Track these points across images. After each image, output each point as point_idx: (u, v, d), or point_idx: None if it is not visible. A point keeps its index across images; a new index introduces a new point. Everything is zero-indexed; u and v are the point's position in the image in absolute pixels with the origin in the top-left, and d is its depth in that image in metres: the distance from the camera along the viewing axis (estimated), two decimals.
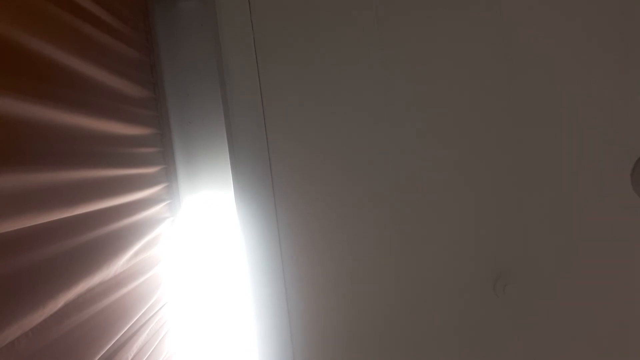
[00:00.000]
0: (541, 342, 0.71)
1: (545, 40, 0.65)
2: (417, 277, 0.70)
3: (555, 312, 0.70)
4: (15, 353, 0.48)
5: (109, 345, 0.69)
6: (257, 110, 0.68)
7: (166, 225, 1.01)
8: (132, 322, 0.78)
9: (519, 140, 0.67)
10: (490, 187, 0.68)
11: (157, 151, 1.00)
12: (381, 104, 0.67)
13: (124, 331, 0.74)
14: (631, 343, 0.71)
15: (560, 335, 0.71)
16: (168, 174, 1.05)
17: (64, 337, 0.57)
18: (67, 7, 0.65)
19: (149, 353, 0.84)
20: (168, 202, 1.03)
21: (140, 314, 0.82)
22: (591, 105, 0.66)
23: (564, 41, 0.65)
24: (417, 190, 0.68)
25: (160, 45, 1.04)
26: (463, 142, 0.67)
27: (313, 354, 0.72)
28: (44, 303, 0.53)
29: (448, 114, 0.67)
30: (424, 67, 0.66)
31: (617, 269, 0.69)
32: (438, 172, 0.68)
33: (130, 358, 0.75)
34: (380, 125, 0.67)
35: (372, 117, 0.67)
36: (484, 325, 0.71)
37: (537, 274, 0.69)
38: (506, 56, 0.66)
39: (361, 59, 0.67)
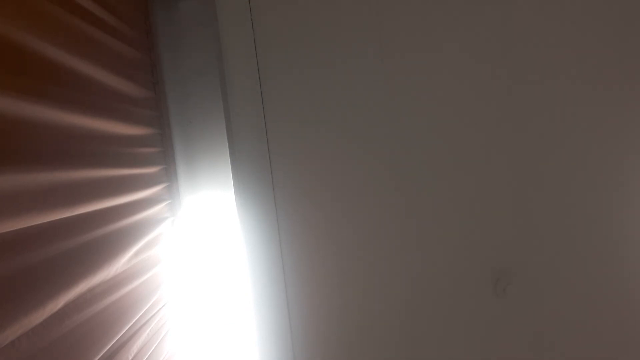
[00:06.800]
0: (542, 341, 0.71)
1: (548, 46, 0.65)
2: (417, 278, 0.70)
3: (556, 312, 0.70)
4: (16, 353, 0.48)
5: (110, 345, 0.69)
6: (258, 110, 0.68)
7: (166, 225, 1.01)
8: (133, 322, 0.78)
9: (520, 140, 0.67)
10: (492, 188, 0.68)
11: (157, 151, 1.00)
12: (382, 102, 0.67)
13: (124, 331, 0.74)
14: (631, 342, 0.71)
15: (561, 335, 0.71)
16: (168, 174, 1.04)
17: (64, 337, 0.57)
18: (68, 7, 0.65)
19: (149, 353, 0.84)
20: (168, 202, 1.03)
21: (140, 314, 0.82)
22: (591, 105, 0.66)
23: (569, 46, 0.65)
24: (419, 191, 0.68)
25: (160, 45, 1.04)
26: (464, 142, 0.67)
27: (313, 354, 0.72)
28: (44, 303, 0.53)
29: (450, 114, 0.67)
30: (425, 61, 0.66)
31: (617, 269, 0.69)
32: (439, 173, 0.68)
33: (130, 358, 0.75)
34: (381, 124, 0.67)
35: (373, 117, 0.67)
36: (484, 325, 0.71)
37: (538, 275, 0.69)
38: (507, 56, 0.66)
39: (361, 58, 0.67)
